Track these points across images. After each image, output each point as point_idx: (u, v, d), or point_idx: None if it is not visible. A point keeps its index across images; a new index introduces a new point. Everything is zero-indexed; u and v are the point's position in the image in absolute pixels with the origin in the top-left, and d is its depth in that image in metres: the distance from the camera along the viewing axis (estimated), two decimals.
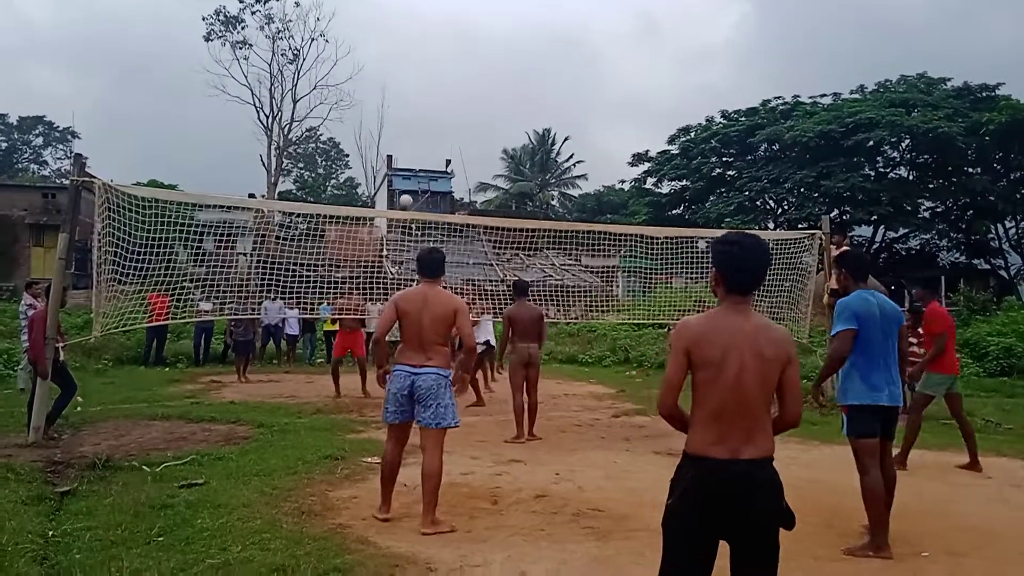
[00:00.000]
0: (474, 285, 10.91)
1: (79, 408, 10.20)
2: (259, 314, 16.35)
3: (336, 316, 13.57)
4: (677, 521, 2.83)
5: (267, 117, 40.42)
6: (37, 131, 61.88)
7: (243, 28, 40.95)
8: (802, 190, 34.08)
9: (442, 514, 5.45)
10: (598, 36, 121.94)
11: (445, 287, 5.72)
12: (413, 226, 23.02)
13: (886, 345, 4.98)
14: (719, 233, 3.32)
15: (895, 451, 7.85)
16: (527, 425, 8.92)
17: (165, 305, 11.95)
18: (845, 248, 13.42)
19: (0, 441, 7.95)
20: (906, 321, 11.48)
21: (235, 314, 15.09)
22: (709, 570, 2.81)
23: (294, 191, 53.74)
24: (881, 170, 34.78)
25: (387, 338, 5.52)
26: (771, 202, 36.65)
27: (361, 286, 14.11)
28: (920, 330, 11.12)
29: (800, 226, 28.20)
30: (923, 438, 7.70)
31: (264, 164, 40.36)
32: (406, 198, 17.32)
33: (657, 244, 13.01)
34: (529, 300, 9.48)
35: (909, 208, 33.43)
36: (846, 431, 5.07)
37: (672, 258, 12.70)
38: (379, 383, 5.54)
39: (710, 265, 3.07)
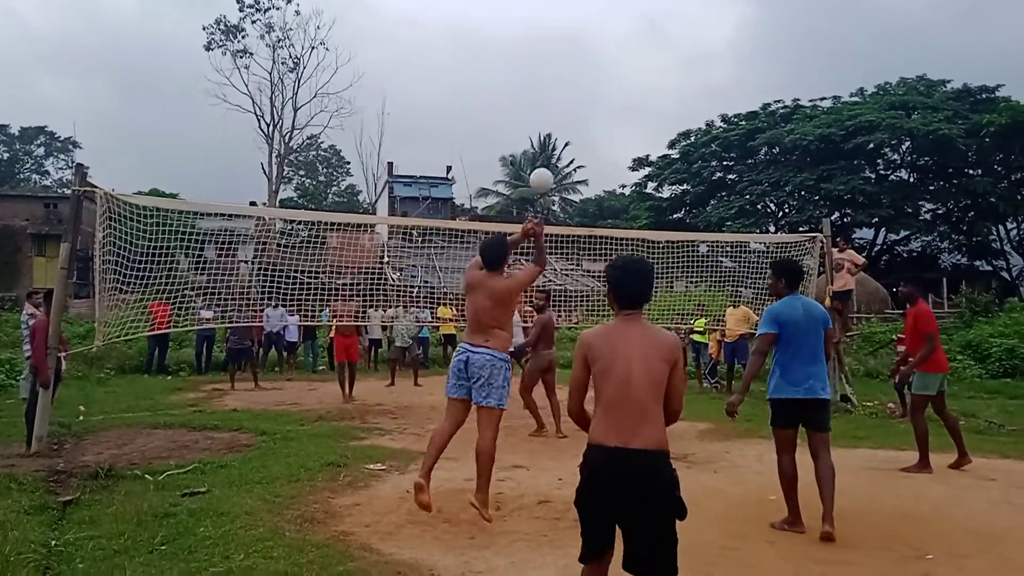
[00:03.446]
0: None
1: (81, 417, 10.22)
2: (261, 321, 16.36)
3: (334, 322, 13.53)
4: (581, 501, 3.18)
5: (268, 125, 40.63)
6: (38, 141, 62.05)
7: (243, 37, 41.20)
8: (803, 193, 34.15)
9: (444, 521, 5.46)
10: (599, 41, 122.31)
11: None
12: (414, 232, 23.09)
13: (811, 345, 5.40)
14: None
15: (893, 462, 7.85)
16: (555, 424, 9.41)
17: (166, 314, 11.96)
18: (849, 251, 13.48)
19: (3, 451, 7.96)
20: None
21: (236, 322, 15.10)
22: (610, 545, 3.16)
23: (295, 199, 53.87)
24: (882, 172, 34.85)
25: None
26: (772, 205, 36.72)
27: (362, 292, 14.11)
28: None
29: (801, 229, 28.19)
30: None
31: (265, 172, 40.53)
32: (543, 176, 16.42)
33: (658, 248, 13.00)
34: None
35: (910, 210, 33.49)
36: (769, 421, 5.59)
37: (673, 262, 12.69)
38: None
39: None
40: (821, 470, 5.27)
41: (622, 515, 3.09)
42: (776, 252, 12.61)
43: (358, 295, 13.79)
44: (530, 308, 11.94)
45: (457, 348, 5.68)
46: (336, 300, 13.22)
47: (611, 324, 3.38)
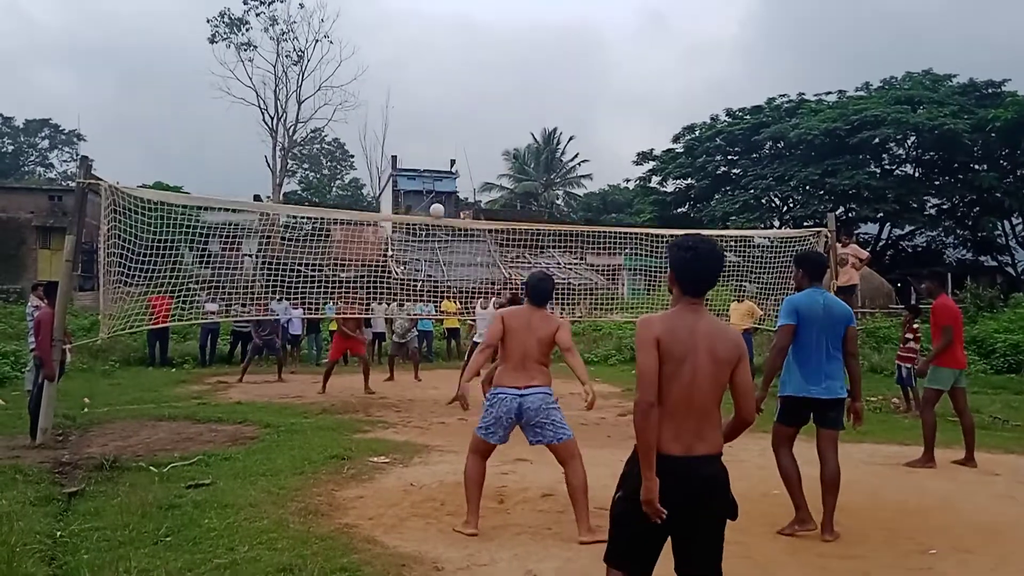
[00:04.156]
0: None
1: (86, 409, 10.25)
2: (272, 314, 16.37)
3: (339, 316, 13.56)
4: (635, 512, 2.89)
5: (272, 119, 40.53)
6: (43, 134, 62.13)
7: (248, 30, 41.09)
8: (807, 188, 34.01)
9: (448, 514, 5.47)
10: (603, 33, 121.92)
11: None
12: (417, 227, 23.06)
13: (827, 342, 5.21)
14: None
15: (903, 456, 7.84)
16: None
17: (166, 307, 11.97)
18: (852, 246, 13.45)
19: (8, 443, 7.99)
20: (905, 316, 11.54)
21: (240, 315, 15.14)
22: (655, 559, 2.99)
23: (299, 192, 53.86)
24: (887, 167, 34.67)
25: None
26: (776, 200, 36.57)
27: (366, 286, 14.13)
28: (916, 325, 11.13)
29: (806, 224, 28.15)
30: None
31: (269, 165, 40.50)
32: (438, 207, 17.30)
33: (662, 243, 12.99)
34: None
35: (915, 205, 33.36)
36: (775, 417, 5.42)
37: None
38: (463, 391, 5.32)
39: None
40: (828, 475, 5.15)
41: (680, 524, 2.90)
42: (780, 247, 12.59)
43: (361, 302, 13.76)
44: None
45: (492, 394, 5.21)
46: (345, 300, 13.25)
47: (675, 314, 3.05)
